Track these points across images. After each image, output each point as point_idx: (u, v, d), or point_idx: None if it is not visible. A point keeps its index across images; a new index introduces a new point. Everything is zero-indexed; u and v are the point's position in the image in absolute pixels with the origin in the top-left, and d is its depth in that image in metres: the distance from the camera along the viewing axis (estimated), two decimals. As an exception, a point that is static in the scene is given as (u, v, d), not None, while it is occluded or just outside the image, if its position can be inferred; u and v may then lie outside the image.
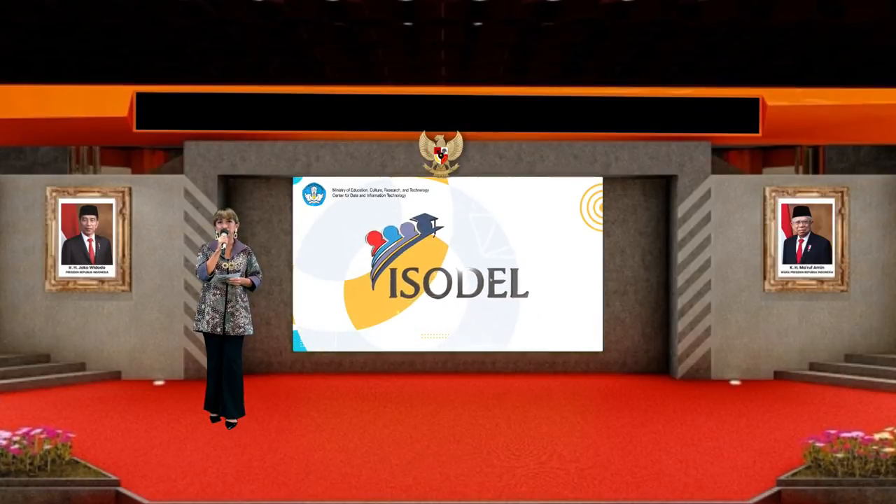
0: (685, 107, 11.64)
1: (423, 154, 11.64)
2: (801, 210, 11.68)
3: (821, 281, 11.69)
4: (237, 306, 7.59)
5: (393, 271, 12.05)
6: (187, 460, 6.98)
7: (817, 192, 11.73)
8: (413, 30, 9.21)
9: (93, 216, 11.59)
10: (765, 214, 11.69)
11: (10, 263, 11.66)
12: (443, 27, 9.17)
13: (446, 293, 12.06)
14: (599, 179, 12.05)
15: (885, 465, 6.24)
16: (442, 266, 12.06)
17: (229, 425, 7.77)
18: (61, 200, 11.59)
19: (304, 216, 12.09)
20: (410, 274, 12.06)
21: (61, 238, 11.59)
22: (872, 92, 11.54)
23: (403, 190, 12.06)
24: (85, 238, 11.60)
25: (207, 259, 7.58)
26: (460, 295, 12.07)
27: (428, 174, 11.74)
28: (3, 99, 11.47)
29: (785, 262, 11.68)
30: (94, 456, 7.02)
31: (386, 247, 12.08)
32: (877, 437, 6.42)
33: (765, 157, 14.42)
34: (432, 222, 12.08)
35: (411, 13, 8.64)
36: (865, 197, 11.77)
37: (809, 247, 11.68)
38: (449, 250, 12.07)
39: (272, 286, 12.07)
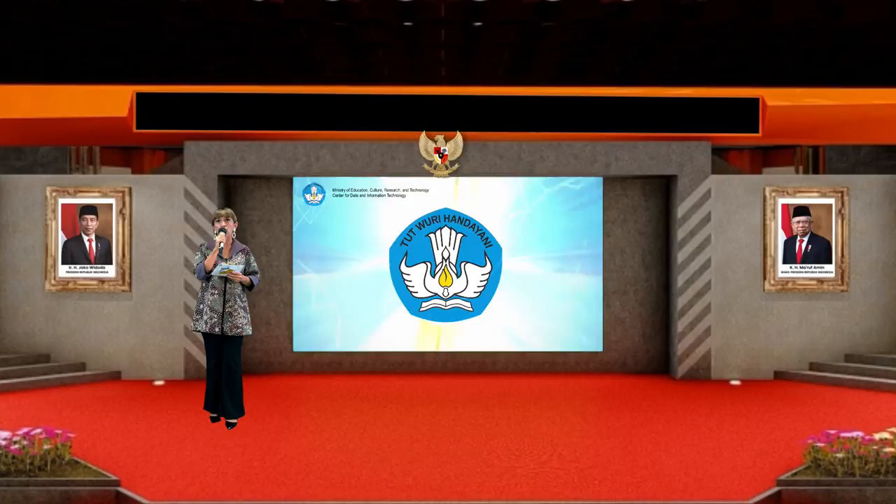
0: (685, 107, 11.63)
1: (423, 154, 11.64)
2: (801, 210, 11.68)
3: (821, 281, 11.68)
4: (235, 306, 7.56)
5: (396, 268, 12.05)
6: (187, 460, 6.97)
7: (817, 192, 11.72)
8: (413, 30, 9.22)
9: (93, 216, 11.59)
10: (765, 214, 11.69)
11: (10, 263, 11.66)
12: (443, 27, 9.19)
13: (446, 291, 12.06)
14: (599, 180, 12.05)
15: (885, 465, 6.24)
16: (442, 264, 12.05)
17: (229, 425, 7.76)
18: (61, 200, 11.59)
19: (304, 216, 12.09)
20: (411, 270, 12.05)
21: (61, 238, 11.59)
22: (872, 92, 11.54)
23: (403, 190, 12.06)
24: (85, 238, 11.60)
25: (205, 258, 7.56)
26: (460, 292, 12.06)
27: (428, 174, 11.73)
28: (3, 99, 11.46)
29: (785, 262, 11.68)
30: (94, 456, 7.02)
31: (388, 244, 12.07)
32: (877, 437, 6.42)
33: (765, 157, 14.43)
34: (433, 220, 12.07)
35: (411, 13, 8.65)
36: (865, 197, 11.77)
37: (809, 247, 11.68)
38: (450, 249, 12.06)
39: (272, 286, 12.07)
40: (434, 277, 12.12)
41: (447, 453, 7.23)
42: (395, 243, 12.12)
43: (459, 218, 12.15)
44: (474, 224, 12.15)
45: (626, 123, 11.64)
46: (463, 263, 12.13)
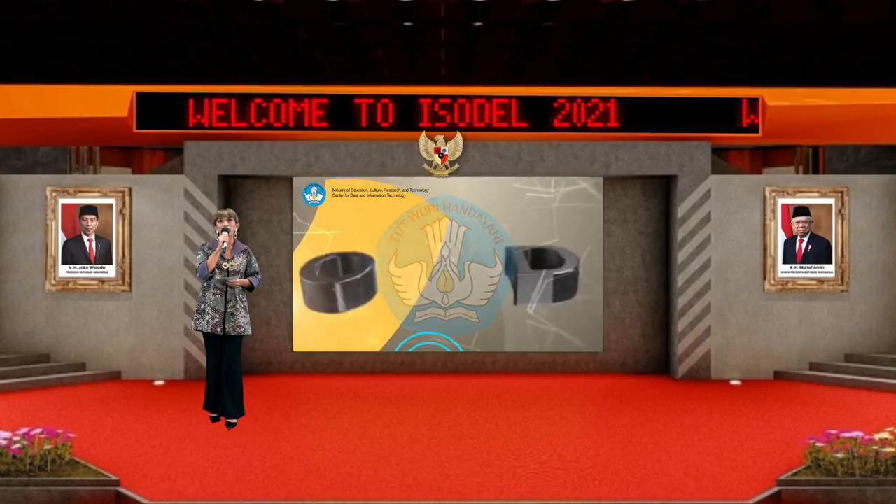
0: (685, 107, 11.62)
1: (423, 154, 11.63)
2: (801, 210, 11.68)
3: (821, 281, 11.68)
4: (237, 306, 7.59)
5: (384, 268, 11.99)
6: (187, 460, 6.98)
7: (817, 192, 11.72)
8: (413, 30, 9.22)
9: (93, 216, 11.59)
10: (765, 214, 11.69)
11: (10, 263, 11.66)
12: (443, 27, 9.19)
13: (445, 297, 11.97)
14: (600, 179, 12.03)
15: (885, 465, 6.24)
16: (443, 264, 11.97)
17: (229, 425, 7.77)
18: (61, 200, 11.59)
19: (304, 216, 12.07)
20: (402, 272, 11.99)
21: (61, 238, 11.58)
22: (872, 92, 11.55)
23: (403, 190, 12.02)
24: (85, 238, 11.60)
25: (207, 258, 7.57)
26: (463, 299, 11.97)
27: (428, 174, 11.69)
28: (3, 99, 11.47)
29: (785, 262, 11.68)
30: (94, 456, 7.02)
31: (375, 238, 12.03)
32: (877, 437, 6.42)
33: (765, 157, 14.43)
34: (429, 209, 11.98)
35: (411, 13, 8.65)
36: (865, 197, 11.77)
37: (809, 247, 11.67)
38: (450, 249, 11.97)
39: (272, 286, 12.07)
40: (431, 280, 11.91)
41: (447, 453, 7.23)
42: (381, 238, 11.88)
43: (463, 207, 11.90)
44: (481, 214, 11.87)
45: (625, 123, 11.63)
46: (467, 263, 11.95)
